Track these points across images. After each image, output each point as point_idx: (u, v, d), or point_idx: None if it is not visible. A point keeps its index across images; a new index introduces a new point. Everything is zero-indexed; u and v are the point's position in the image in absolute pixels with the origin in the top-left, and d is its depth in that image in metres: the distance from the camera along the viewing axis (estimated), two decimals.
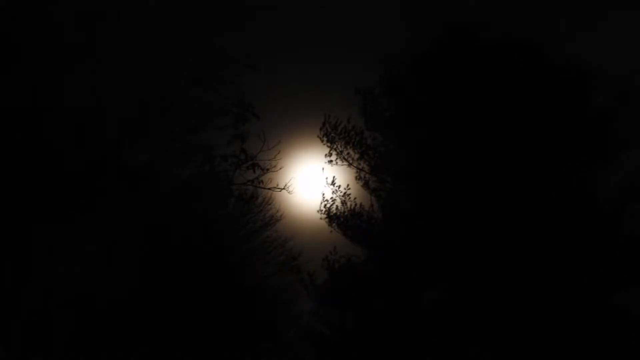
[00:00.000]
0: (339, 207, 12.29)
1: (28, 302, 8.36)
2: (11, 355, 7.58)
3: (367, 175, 12.45)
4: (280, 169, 11.44)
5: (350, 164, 12.48)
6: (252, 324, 11.05)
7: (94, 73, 10.17)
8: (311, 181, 12.44)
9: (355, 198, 12.38)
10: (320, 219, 12.37)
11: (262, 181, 11.29)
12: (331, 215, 12.30)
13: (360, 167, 12.47)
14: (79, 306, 8.90)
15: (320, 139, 12.40)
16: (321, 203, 12.42)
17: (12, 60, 9.54)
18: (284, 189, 11.46)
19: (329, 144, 12.38)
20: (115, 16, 10.33)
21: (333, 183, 12.32)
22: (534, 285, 10.18)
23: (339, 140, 12.31)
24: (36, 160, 9.33)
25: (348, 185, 12.36)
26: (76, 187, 9.54)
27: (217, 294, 10.67)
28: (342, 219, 12.28)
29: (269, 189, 11.29)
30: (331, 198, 12.37)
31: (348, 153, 12.40)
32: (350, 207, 12.27)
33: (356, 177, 12.52)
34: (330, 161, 12.33)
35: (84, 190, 9.64)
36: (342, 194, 12.37)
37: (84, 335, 8.80)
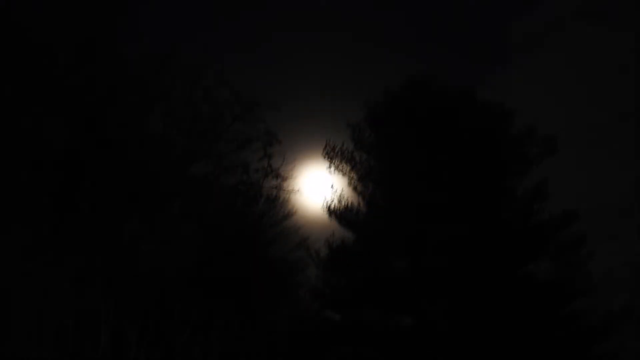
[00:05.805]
0: (336, 205, 14.65)
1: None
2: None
3: (356, 182, 14.80)
4: (295, 177, 13.60)
5: (344, 174, 14.85)
6: (277, 284, 13.06)
7: (167, 113, 13.83)
8: (317, 186, 14.73)
9: (347, 198, 14.73)
10: (323, 212, 14.60)
11: (282, 186, 13.49)
12: (331, 210, 14.53)
13: (351, 176, 14.89)
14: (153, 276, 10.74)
15: (323, 157, 14.90)
16: (324, 201, 14.70)
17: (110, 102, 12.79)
18: (297, 191, 13.58)
19: (329, 160, 14.81)
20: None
21: (332, 187, 14.84)
22: (471, 257, 12.79)
23: (336, 157, 14.74)
24: (130, 175, 12.65)
25: (342, 189, 14.75)
26: (156, 193, 12.56)
27: (253, 264, 12.59)
28: (338, 213, 14.54)
29: (287, 191, 13.46)
30: (331, 198, 14.68)
31: (342, 166, 14.81)
32: (344, 205, 14.62)
33: (348, 183, 14.89)
34: (330, 172, 14.79)
35: (162, 195, 13.04)
36: (338, 195, 14.71)
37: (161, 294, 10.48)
